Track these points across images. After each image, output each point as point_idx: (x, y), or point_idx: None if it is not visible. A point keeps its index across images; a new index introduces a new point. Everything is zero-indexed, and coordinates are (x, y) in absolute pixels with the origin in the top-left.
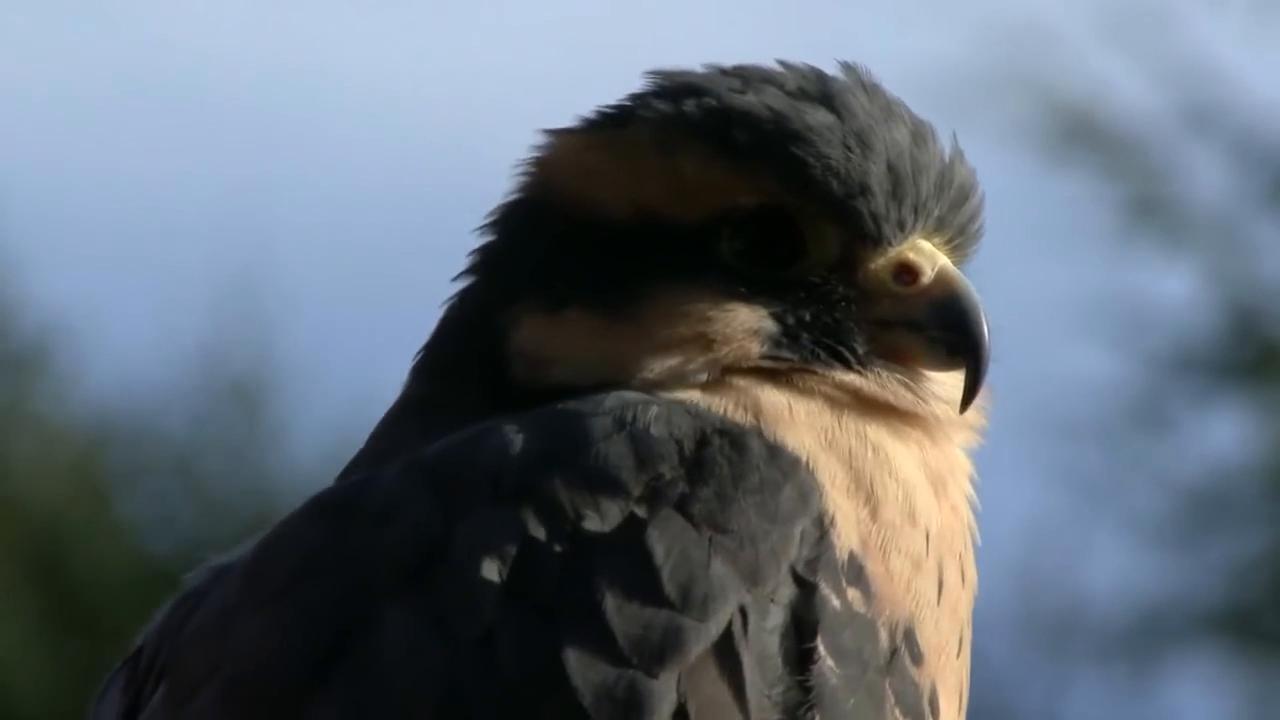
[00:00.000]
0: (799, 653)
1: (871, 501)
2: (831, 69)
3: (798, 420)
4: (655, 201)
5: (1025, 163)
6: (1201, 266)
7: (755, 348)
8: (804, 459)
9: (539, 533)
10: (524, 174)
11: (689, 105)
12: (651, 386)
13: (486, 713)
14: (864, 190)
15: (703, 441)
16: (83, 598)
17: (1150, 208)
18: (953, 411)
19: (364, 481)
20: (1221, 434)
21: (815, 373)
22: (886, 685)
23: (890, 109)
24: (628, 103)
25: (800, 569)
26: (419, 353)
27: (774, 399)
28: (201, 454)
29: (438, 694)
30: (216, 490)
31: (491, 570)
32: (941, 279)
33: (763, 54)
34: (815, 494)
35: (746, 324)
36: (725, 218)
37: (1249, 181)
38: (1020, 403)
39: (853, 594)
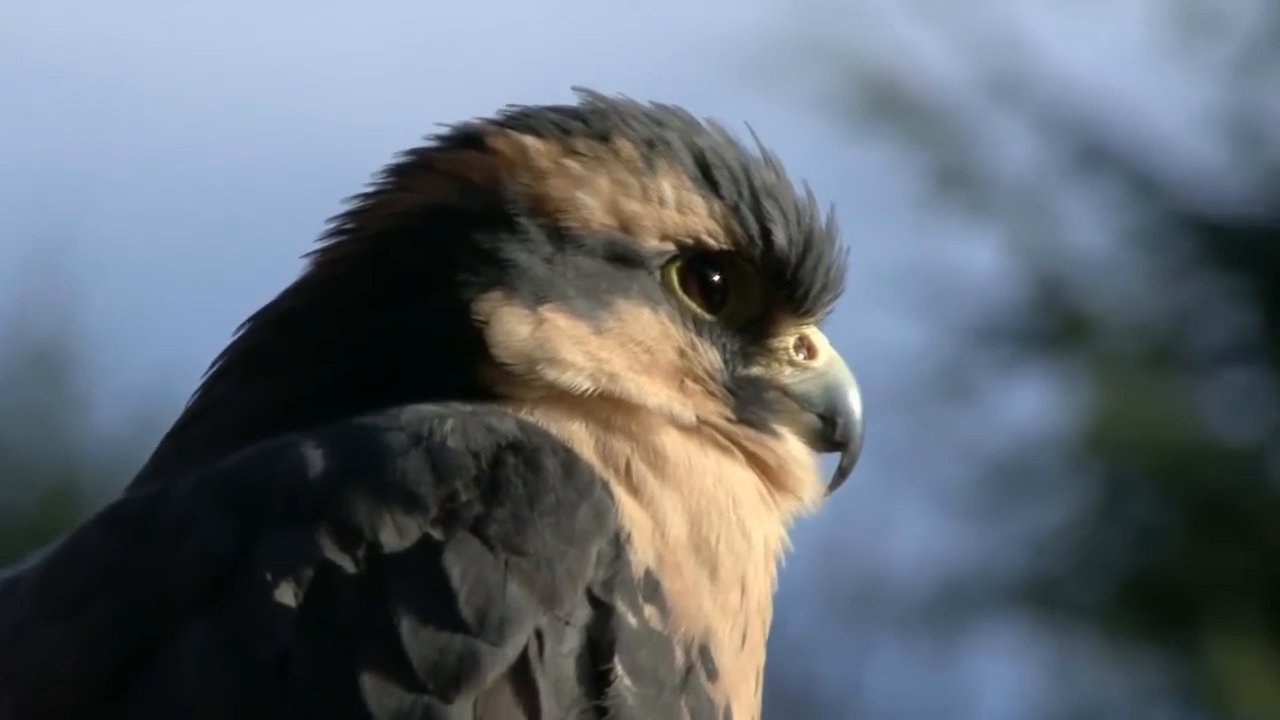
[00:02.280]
0: (595, 674)
1: (710, 564)
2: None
3: (678, 472)
4: (633, 217)
5: (830, 131)
6: (1006, 236)
7: (719, 406)
8: (599, 477)
9: (335, 554)
10: (459, 171)
11: (667, 133)
12: (639, 408)
13: None
14: (817, 261)
15: (498, 460)
16: None
17: (955, 177)
18: (819, 492)
19: (158, 494)
20: (1025, 404)
21: (731, 429)
22: (682, 703)
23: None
24: (584, 116)
25: (597, 590)
26: (244, 349)
27: (673, 446)
28: (4, 422)
29: (232, 716)
30: (19, 458)
31: (287, 592)
32: (836, 365)
33: (584, 28)
34: (611, 512)
35: (713, 367)
36: (683, 249)
37: (1054, 152)
38: None
39: (649, 611)
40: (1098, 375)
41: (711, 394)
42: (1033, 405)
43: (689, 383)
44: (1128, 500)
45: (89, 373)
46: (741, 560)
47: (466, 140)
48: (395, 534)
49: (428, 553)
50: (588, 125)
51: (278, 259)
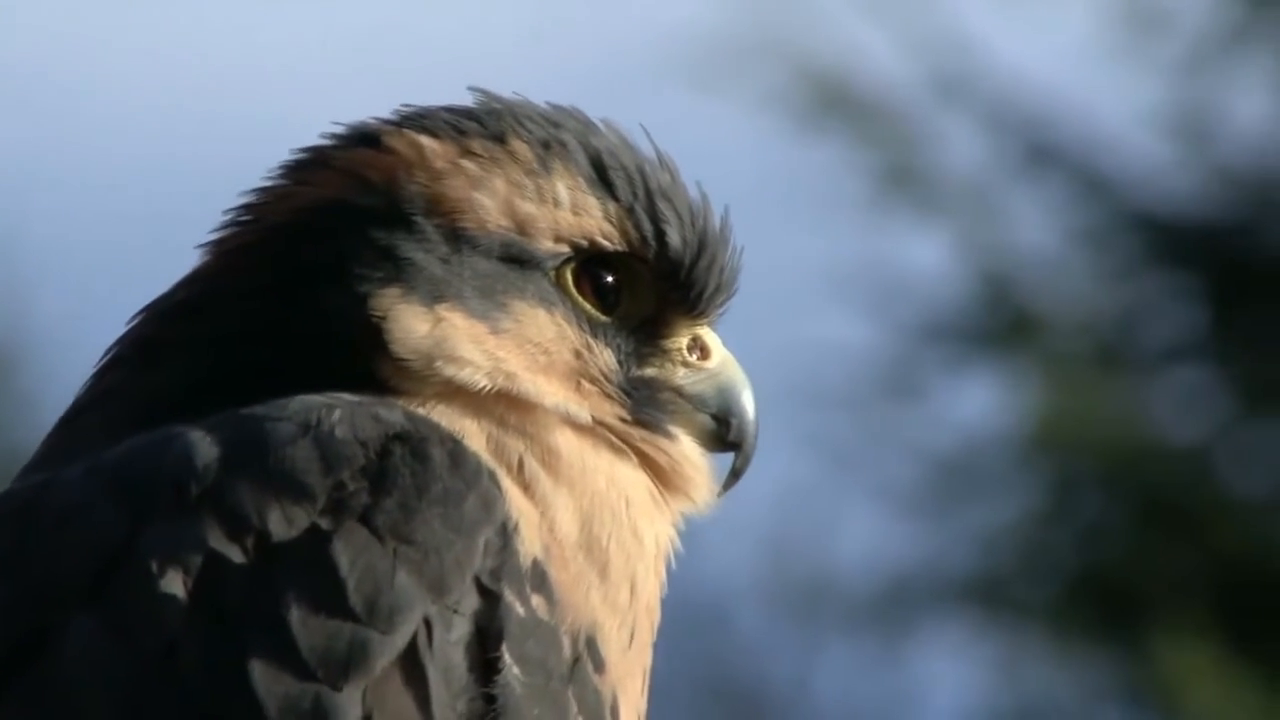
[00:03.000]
0: (484, 663)
1: (601, 563)
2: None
3: (571, 472)
4: (529, 219)
5: (778, 130)
6: (954, 235)
7: (614, 407)
8: (487, 467)
9: (223, 543)
10: (356, 169)
11: (563, 134)
12: (536, 407)
13: None
14: (711, 263)
15: (386, 450)
16: None
17: (903, 176)
18: (712, 493)
19: (45, 483)
20: (973, 402)
21: (625, 430)
22: (570, 693)
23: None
24: (480, 117)
25: (485, 579)
26: (137, 338)
27: (568, 445)
28: None
29: (119, 706)
30: None
31: (175, 581)
32: (729, 365)
33: (527, 27)
34: (498, 502)
35: (608, 368)
36: (577, 250)
37: (1002, 151)
38: (772, 370)
39: (537, 600)
40: (1045, 374)
41: (607, 395)
42: (980, 404)
43: (585, 384)
44: (1075, 499)
45: (36, 373)
46: (632, 560)
47: (363, 139)
48: (283, 523)
49: (316, 542)
50: (484, 126)
51: None
